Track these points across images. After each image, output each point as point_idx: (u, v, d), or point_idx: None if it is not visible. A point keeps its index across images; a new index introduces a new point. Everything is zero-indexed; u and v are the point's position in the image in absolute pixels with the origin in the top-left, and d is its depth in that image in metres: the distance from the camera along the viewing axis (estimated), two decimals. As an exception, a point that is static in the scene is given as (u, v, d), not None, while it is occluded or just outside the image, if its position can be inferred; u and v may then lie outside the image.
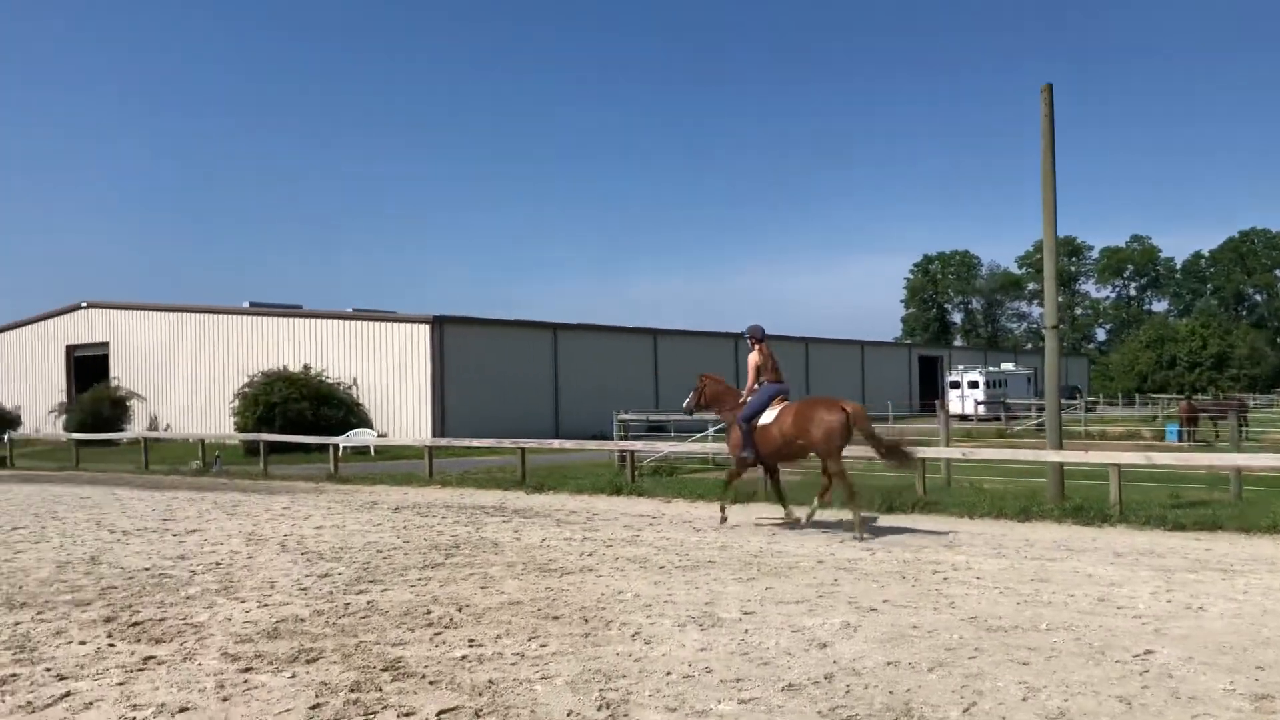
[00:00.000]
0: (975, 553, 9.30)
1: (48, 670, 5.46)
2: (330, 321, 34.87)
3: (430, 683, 5.13)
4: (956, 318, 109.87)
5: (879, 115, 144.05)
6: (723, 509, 11.82)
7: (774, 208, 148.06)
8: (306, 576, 8.29)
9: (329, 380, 31.91)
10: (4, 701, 4.91)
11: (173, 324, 39.25)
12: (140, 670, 5.43)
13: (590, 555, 9.26)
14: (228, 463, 24.57)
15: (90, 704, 4.85)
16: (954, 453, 14.74)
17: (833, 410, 11.03)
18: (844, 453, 11.15)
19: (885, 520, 11.92)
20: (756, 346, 11.98)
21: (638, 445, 17.92)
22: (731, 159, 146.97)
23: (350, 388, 32.60)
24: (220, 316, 38.01)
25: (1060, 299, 15.24)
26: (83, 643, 6.09)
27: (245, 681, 5.18)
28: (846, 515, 10.94)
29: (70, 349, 42.53)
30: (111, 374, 39.93)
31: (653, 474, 18.10)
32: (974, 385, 49.34)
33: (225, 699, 4.89)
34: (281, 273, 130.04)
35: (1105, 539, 10.35)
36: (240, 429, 29.61)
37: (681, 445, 19.56)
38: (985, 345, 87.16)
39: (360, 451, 28.07)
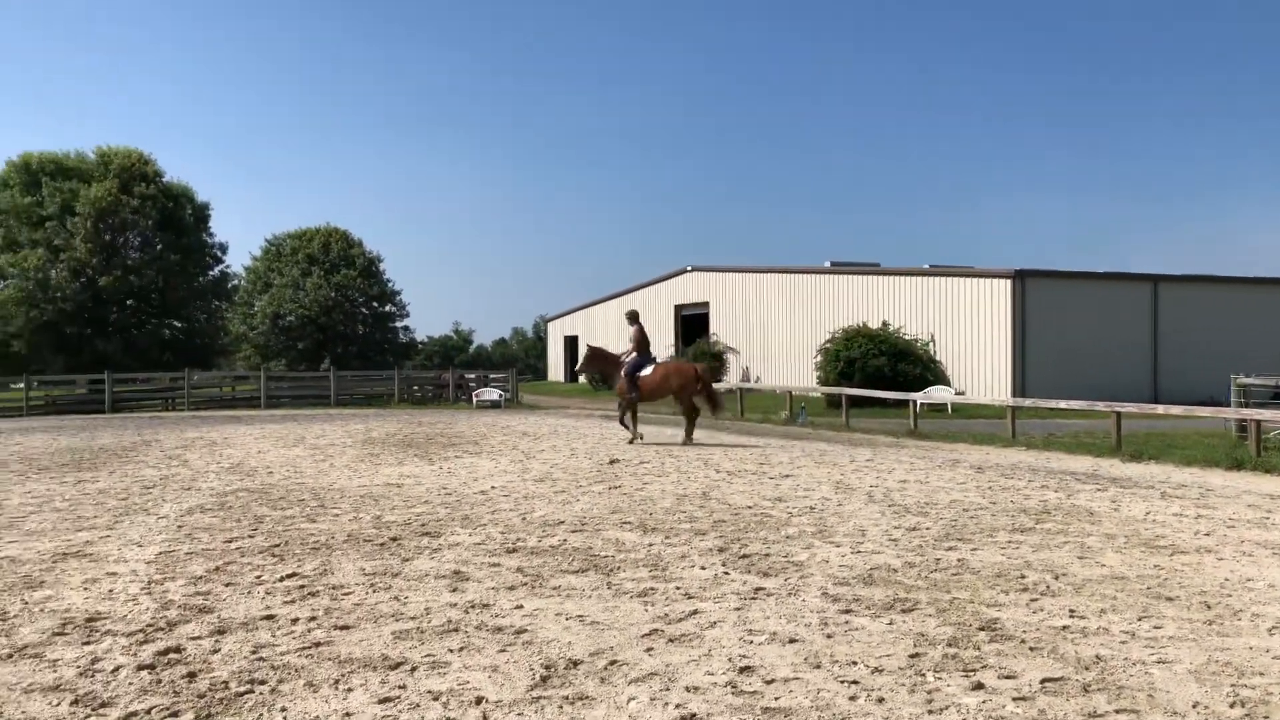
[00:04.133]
0: None
1: (677, 588, 6.23)
2: (907, 278, 35.11)
3: (1030, 649, 4.94)
4: None
5: None
6: (634, 432, 17.75)
7: None
8: (895, 528, 8.47)
9: (906, 336, 32.21)
10: (646, 610, 5.70)
11: (762, 284, 42.38)
12: (752, 599, 5.97)
13: (1208, 535, 8.25)
14: (811, 414, 26.03)
15: (714, 623, 5.43)
16: None
17: (686, 369, 18.20)
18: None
19: None
20: (635, 326, 17.83)
21: (1265, 414, 15.51)
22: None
23: (928, 344, 32.61)
24: (803, 276, 40.19)
25: None
26: (703, 568, 6.84)
27: (846, 622, 5.44)
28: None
29: (678, 308, 48.01)
30: (711, 330, 44.37)
31: (1282, 448, 15.60)
32: None
33: (829, 636, 5.18)
34: (861, 231, 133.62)
35: None
36: (823, 383, 31.16)
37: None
38: None
39: (937, 408, 28.03)
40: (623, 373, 17.75)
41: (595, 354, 19.20)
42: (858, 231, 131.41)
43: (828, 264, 40.75)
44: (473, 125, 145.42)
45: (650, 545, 7.67)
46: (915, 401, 22.64)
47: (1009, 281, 30.88)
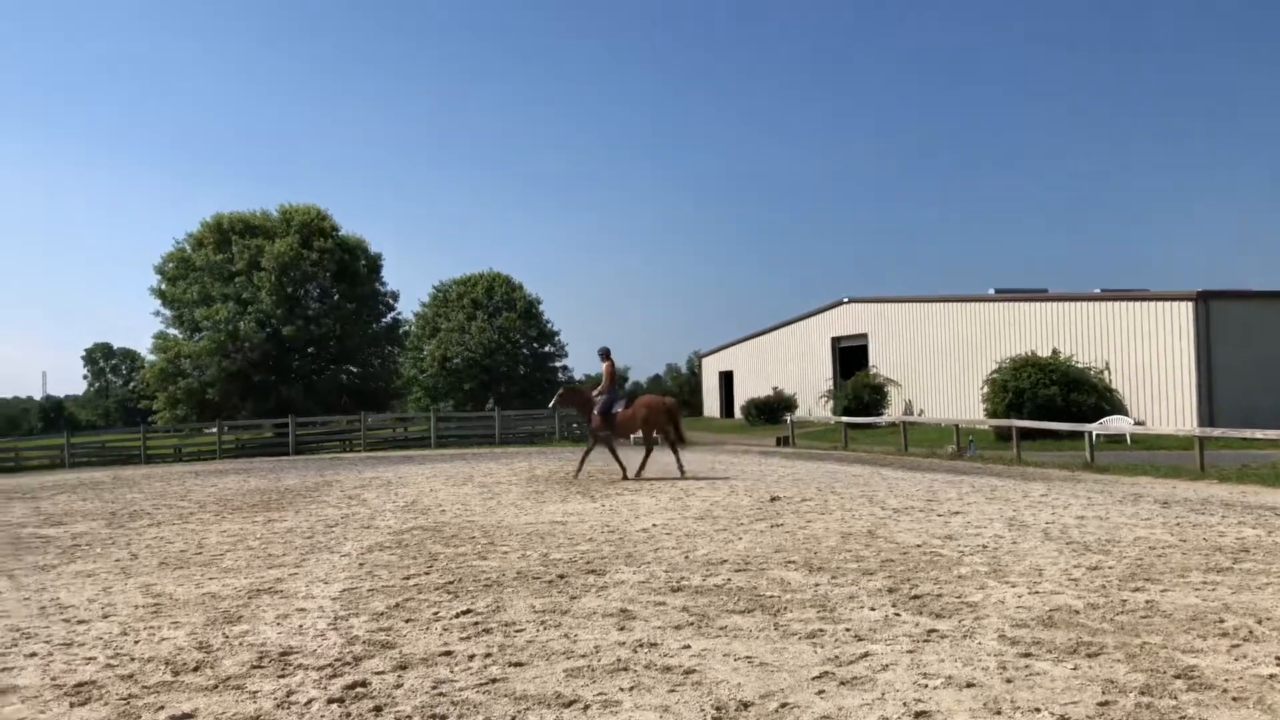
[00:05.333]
0: None
1: (846, 630, 6.11)
2: (1077, 304, 33.56)
3: (1234, 699, 4.62)
4: None
5: None
6: (621, 465, 18.09)
7: None
8: (1075, 567, 8.08)
9: (1078, 365, 30.77)
10: (815, 652, 5.61)
11: (922, 314, 41.34)
12: (925, 641, 5.80)
13: None
14: (979, 447, 25.13)
15: (886, 666, 5.30)
16: None
17: (657, 404, 18.37)
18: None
19: None
20: (608, 364, 18.43)
21: None
22: None
23: (1102, 372, 31.04)
24: (966, 305, 38.99)
25: None
26: (872, 609, 6.69)
27: (1026, 666, 5.21)
28: None
29: (835, 340, 47.32)
30: (870, 362, 43.53)
31: None
32: None
33: (1009, 681, 4.97)
34: (1026, 256, 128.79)
35: None
36: (990, 414, 30.06)
37: None
38: None
39: (1114, 439, 26.61)
40: (596, 410, 18.18)
41: (568, 394, 19.59)
42: (1021, 257, 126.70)
43: (991, 291, 39.41)
44: (626, 164, 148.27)
45: (817, 585, 7.56)
46: (1091, 433, 21.56)
47: (1190, 304, 29.11)
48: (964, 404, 36.59)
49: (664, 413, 18.16)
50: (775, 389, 48.48)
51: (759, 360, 53.51)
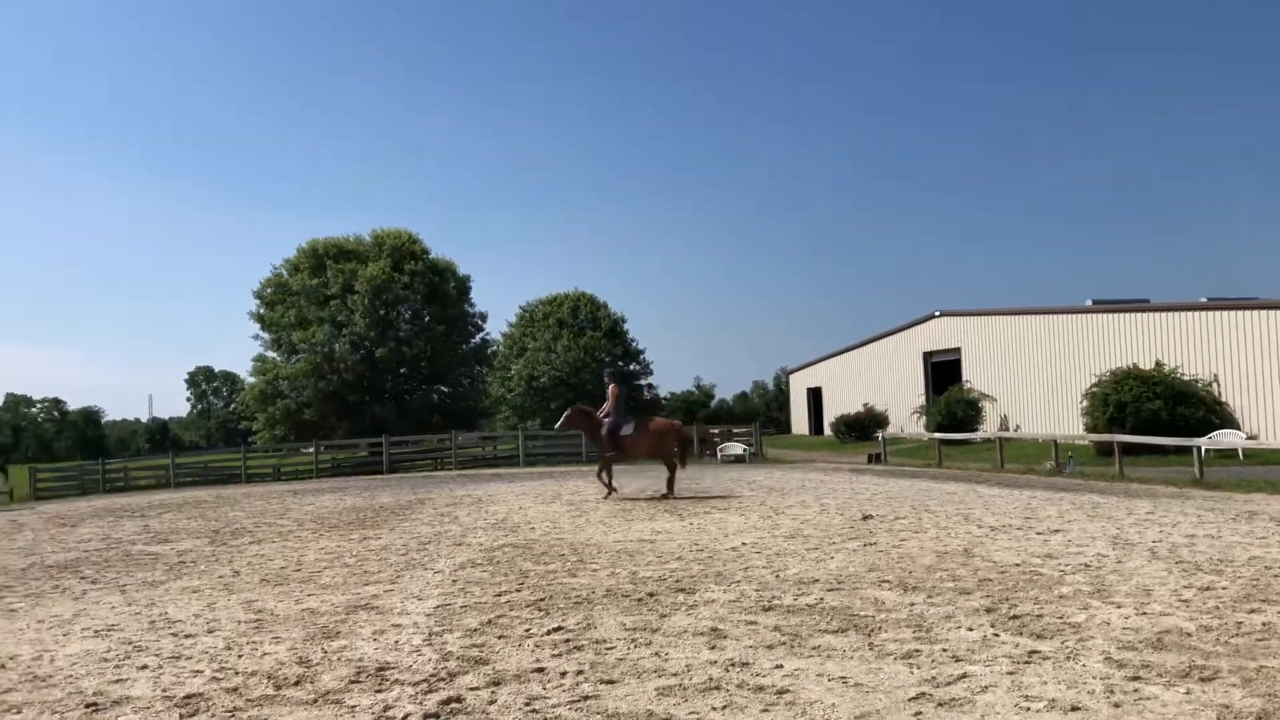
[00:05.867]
0: None
1: (944, 650, 5.97)
2: (1181, 314, 32.41)
3: (1362, 729, 4.37)
4: None
5: None
6: (609, 487, 18.43)
7: None
8: (1185, 588, 7.76)
9: (1183, 377, 29.65)
10: (912, 673, 5.49)
11: (1017, 327, 40.39)
12: (1026, 663, 5.62)
13: None
14: (1079, 463, 24.38)
15: (985, 688, 5.16)
16: None
17: (667, 426, 18.88)
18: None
19: None
20: (613, 386, 18.74)
21: None
22: None
23: (1210, 384, 29.85)
24: (1063, 317, 37.97)
25: None
26: (970, 629, 6.52)
27: (1135, 690, 5.02)
28: None
29: (927, 355, 46.51)
30: (963, 377, 42.64)
31: None
32: None
33: (1116, 705, 4.79)
34: (1124, 266, 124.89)
35: None
36: (1090, 429, 29.16)
37: None
38: None
39: (1225, 454, 25.53)
40: (604, 431, 18.49)
41: (576, 414, 19.38)
42: (1116, 268, 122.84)
43: (1089, 303, 38.31)
44: (710, 181, 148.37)
45: (912, 605, 7.40)
46: (1199, 447, 20.72)
47: (1304, 312, 27.86)
48: (1062, 419, 35.59)
49: (674, 435, 18.57)
50: (866, 405, 47.79)
51: (848, 376, 52.89)
